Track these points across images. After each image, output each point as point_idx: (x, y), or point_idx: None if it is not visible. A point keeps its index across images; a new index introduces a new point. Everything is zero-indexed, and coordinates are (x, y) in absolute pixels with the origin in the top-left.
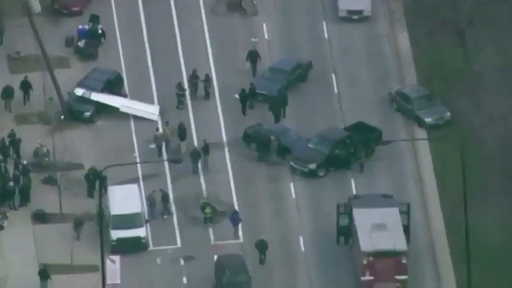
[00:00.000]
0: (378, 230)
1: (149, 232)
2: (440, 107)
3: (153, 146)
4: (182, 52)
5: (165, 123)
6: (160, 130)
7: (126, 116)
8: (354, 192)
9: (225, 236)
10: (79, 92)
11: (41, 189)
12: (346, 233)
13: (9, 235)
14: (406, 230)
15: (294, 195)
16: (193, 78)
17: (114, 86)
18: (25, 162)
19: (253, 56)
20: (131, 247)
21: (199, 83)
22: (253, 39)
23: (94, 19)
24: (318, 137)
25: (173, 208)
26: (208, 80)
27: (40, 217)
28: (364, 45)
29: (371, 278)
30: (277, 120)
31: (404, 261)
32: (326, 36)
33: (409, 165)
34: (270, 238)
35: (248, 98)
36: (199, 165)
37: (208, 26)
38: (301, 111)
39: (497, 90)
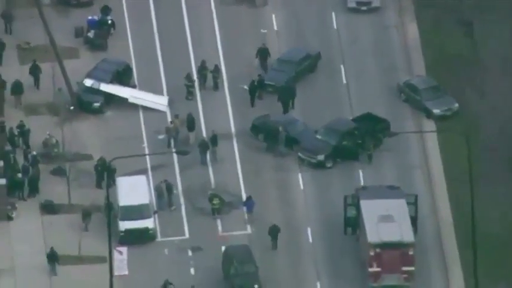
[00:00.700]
0: (385, 221)
1: (157, 223)
2: (448, 98)
3: (161, 136)
4: (191, 43)
5: (175, 116)
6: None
7: (135, 107)
8: (362, 183)
9: (233, 227)
10: (88, 82)
11: (50, 180)
12: (354, 224)
13: (18, 226)
14: (414, 221)
15: (301, 186)
16: (202, 69)
17: (123, 76)
18: (34, 153)
19: (263, 54)
20: (139, 238)
21: (208, 74)
22: (262, 31)
23: (105, 10)
24: (325, 128)
25: (181, 199)
26: (217, 71)
27: (49, 208)
28: (372, 36)
29: (378, 269)
30: (285, 111)
31: (411, 252)
32: (335, 26)
33: (417, 156)
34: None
35: (257, 89)
36: (208, 156)
37: (218, 17)
38: (309, 102)
39: (504, 79)
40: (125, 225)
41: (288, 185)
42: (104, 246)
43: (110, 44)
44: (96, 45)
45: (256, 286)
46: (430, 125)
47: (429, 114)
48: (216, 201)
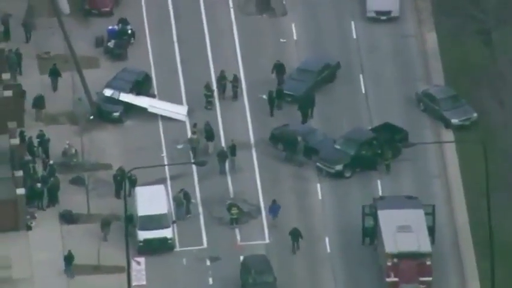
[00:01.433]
0: (402, 231)
1: (176, 233)
2: (466, 107)
3: (180, 146)
4: (211, 52)
5: (194, 125)
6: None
7: (154, 116)
8: (380, 193)
9: (251, 237)
10: (108, 92)
11: (69, 189)
12: (372, 234)
13: (37, 235)
14: (431, 231)
15: (320, 196)
16: (221, 78)
17: (142, 86)
18: (51, 162)
19: (279, 69)
20: (158, 248)
21: (227, 84)
22: (281, 40)
23: (122, 21)
24: (344, 138)
25: (200, 208)
26: (236, 80)
27: (67, 217)
28: (391, 45)
29: (395, 279)
30: (304, 121)
31: (428, 262)
32: (354, 36)
33: (435, 166)
34: None
35: (276, 98)
36: (227, 165)
37: (237, 26)
38: (328, 111)
39: None
40: (143, 235)
41: (306, 194)
42: (123, 256)
43: (129, 54)
44: (116, 54)
45: None
46: (448, 135)
47: (447, 124)
48: (234, 210)
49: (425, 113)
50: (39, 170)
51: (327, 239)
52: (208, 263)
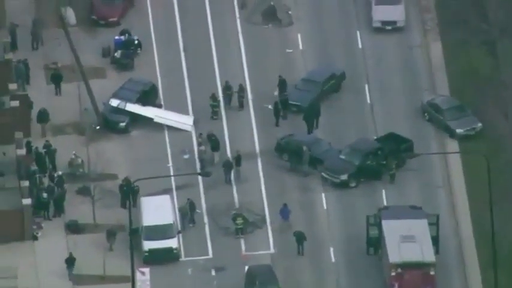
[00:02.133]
0: (406, 241)
1: (181, 243)
2: (471, 117)
3: (186, 156)
4: (217, 62)
5: (199, 135)
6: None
7: (160, 127)
8: (385, 203)
9: (256, 247)
10: (114, 102)
11: (75, 199)
12: (376, 244)
13: (43, 245)
14: (435, 241)
15: (325, 206)
16: (226, 89)
17: (148, 96)
18: (60, 173)
19: (282, 85)
20: (163, 258)
21: (233, 94)
22: (287, 50)
23: (124, 33)
24: (349, 148)
25: (205, 218)
26: (242, 90)
27: (74, 227)
28: (397, 56)
29: None
30: (310, 131)
31: (432, 272)
32: (360, 46)
33: (440, 176)
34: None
35: (281, 108)
36: (232, 175)
37: (244, 36)
38: (334, 121)
39: None
40: (149, 245)
41: (311, 204)
42: (129, 266)
43: (136, 64)
44: (123, 65)
45: None
46: (453, 145)
47: (452, 134)
48: (239, 220)
49: (430, 123)
50: (46, 180)
51: (331, 249)
52: (213, 273)
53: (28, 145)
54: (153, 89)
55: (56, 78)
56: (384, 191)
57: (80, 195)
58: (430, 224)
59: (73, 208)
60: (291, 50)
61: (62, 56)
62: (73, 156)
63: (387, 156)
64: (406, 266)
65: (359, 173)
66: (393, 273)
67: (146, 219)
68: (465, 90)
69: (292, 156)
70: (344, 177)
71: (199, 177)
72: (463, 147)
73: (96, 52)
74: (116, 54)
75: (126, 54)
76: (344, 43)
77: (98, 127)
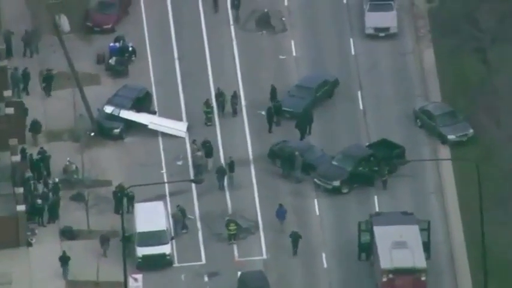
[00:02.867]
0: (398, 247)
1: (174, 249)
2: (463, 123)
3: (180, 162)
4: (211, 69)
5: (193, 142)
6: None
7: (154, 133)
8: (377, 209)
9: (249, 253)
10: (108, 109)
11: (70, 205)
12: (368, 249)
13: (38, 251)
14: (426, 247)
15: (317, 212)
16: (218, 95)
17: (143, 103)
18: (57, 180)
19: (273, 92)
20: (156, 264)
21: (226, 100)
22: (281, 57)
23: (118, 39)
24: (342, 154)
25: (198, 224)
26: (235, 97)
27: (68, 233)
28: (390, 62)
29: None
30: (303, 137)
31: (423, 278)
32: (353, 52)
33: (432, 182)
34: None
35: (274, 115)
36: (225, 181)
37: (238, 43)
38: (326, 127)
39: None
40: (142, 251)
41: (304, 210)
42: (122, 271)
43: (130, 71)
44: (118, 71)
45: None
46: (445, 151)
47: (444, 140)
48: (232, 226)
49: (423, 129)
50: (40, 186)
51: (323, 254)
52: (206, 278)
53: (23, 152)
54: (147, 96)
55: (47, 79)
56: (376, 197)
57: (74, 201)
58: (421, 230)
59: (67, 214)
60: (284, 57)
61: (57, 63)
62: (67, 163)
63: (379, 163)
64: (398, 272)
65: (351, 179)
66: (385, 279)
67: (140, 225)
68: (457, 96)
69: (285, 162)
70: (336, 183)
71: (194, 184)
72: (455, 154)
73: (91, 59)
74: (110, 61)
75: (121, 61)
76: (337, 49)
77: (92, 134)
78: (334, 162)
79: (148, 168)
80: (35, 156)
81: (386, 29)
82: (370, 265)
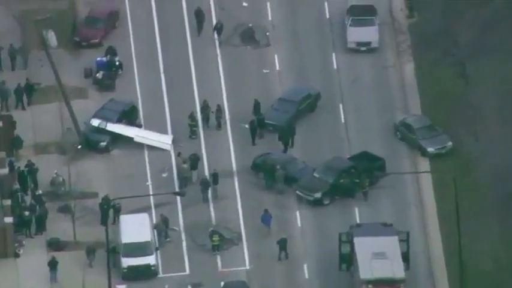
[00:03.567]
0: (377, 258)
1: (159, 259)
2: (442, 136)
3: (165, 174)
4: (196, 83)
5: (178, 154)
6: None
7: (140, 146)
8: (358, 220)
9: (233, 263)
10: (95, 122)
11: (57, 217)
12: (348, 260)
13: (25, 263)
14: (406, 257)
15: (299, 223)
16: (204, 108)
17: (129, 116)
18: (40, 192)
19: (257, 106)
20: (141, 274)
21: (211, 114)
22: (264, 71)
23: (109, 51)
24: (323, 167)
25: (183, 235)
26: (220, 110)
27: (55, 245)
28: (371, 76)
29: None
30: (286, 150)
31: None
32: (335, 66)
33: (412, 193)
34: (275, 265)
35: (257, 128)
36: (209, 193)
37: (222, 57)
38: (309, 140)
39: (496, 119)
40: (127, 261)
41: (286, 222)
42: (107, 282)
43: (117, 85)
44: (105, 85)
45: None
46: (424, 163)
47: (424, 153)
48: (216, 237)
49: (403, 142)
50: (28, 198)
51: (305, 265)
52: None
53: (11, 164)
54: (134, 109)
55: (27, 89)
56: (357, 208)
57: (61, 213)
58: (400, 240)
59: (55, 226)
60: (268, 71)
61: (45, 77)
62: (55, 175)
63: (360, 175)
64: (377, 282)
65: (333, 190)
66: None
67: (125, 236)
68: (436, 110)
69: (267, 174)
70: (318, 195)
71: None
72: (434, 166)
73: (79, 73)
74: (97, 75)
75: (108, 75)
76: (320, 64)
77: (79, 146)
78: (315, 174)
79: (134, 180)
80: (23, 168)
81: (368, 44)
82: (350, 275)
